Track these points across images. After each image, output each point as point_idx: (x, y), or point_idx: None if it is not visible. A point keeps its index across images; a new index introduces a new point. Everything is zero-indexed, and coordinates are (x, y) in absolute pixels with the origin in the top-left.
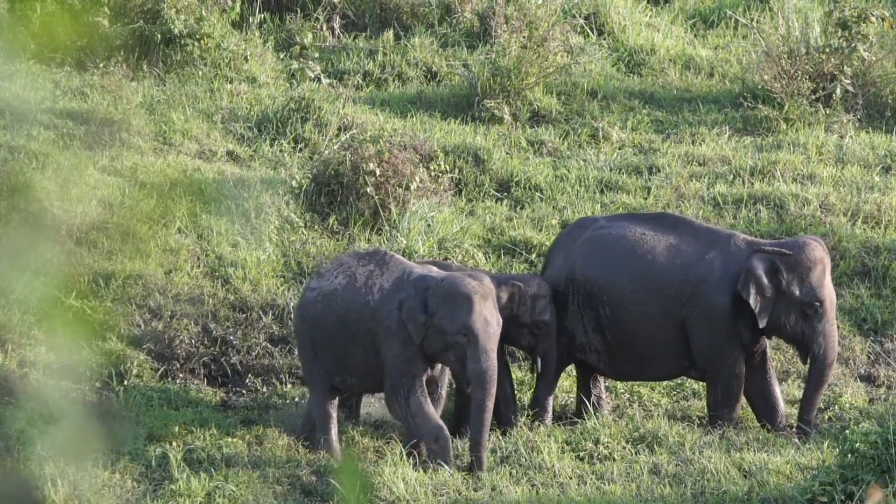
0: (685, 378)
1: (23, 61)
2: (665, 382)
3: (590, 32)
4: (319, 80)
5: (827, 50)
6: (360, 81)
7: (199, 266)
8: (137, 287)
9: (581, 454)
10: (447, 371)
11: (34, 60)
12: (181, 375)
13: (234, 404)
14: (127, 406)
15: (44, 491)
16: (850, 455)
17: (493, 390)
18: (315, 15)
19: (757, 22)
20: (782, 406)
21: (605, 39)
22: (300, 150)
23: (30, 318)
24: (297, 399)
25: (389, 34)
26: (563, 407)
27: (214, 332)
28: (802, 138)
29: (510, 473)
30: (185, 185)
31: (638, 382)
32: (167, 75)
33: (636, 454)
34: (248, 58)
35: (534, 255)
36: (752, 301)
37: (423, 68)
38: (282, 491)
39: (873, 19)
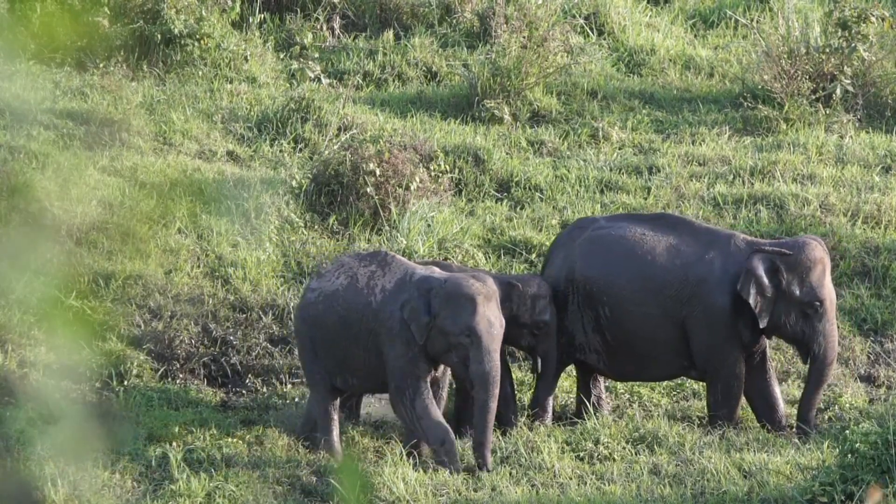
0: (685, 378)
1: (23, 61)
2: (665, 382)
3: (590, 32)
4: (319, 80)
5: (827, 50)
6: (360, 81)
7: (199, 266)
8: (137, 287)
9: (581, 454)
10: (448, 372)
11: (34, 60)
12: (181, 375)
13: (234, 404)
14: (127, 406)
15: (44, 491)
16: (850, 455)
17: (497, 391)
18: (315, 15)
19: (757, 22)
20: (782, 406)
21: (605, 39)
22: (300, 150)
23: (30, 318)
24: (297, 399)
25: (389, 34)
26: (563, 407)
27: (214, 333)
28: (802, 138)
29: (510, 473)
30: (185, 185)
31: (638, 382)
32: (167, 75)
33: (636, 454)
34: (248, 58)
35: (534, 255)
36: (752, 301)
37: (423, 68)
38: (282, 491)
39: (873, 19)
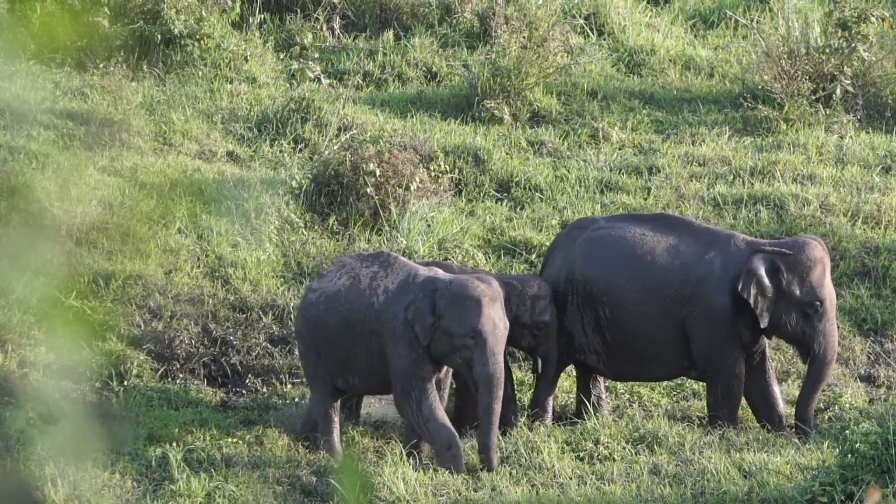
0: (685, 378)
1: (23, 61)
2: (665, 382)
3: (590, 33)
4: (319, 80)
5: (827, 50)
6: (360, 82)
7: (199, 266)
8: (137, 287)
9: (581, 454)
10: (450, 373)
11: (34, 60)
12: (181, 375)
13: (234, 404)
14: (127, 406)
15: (44, 491)
16: (850, 455)
17: (501, 393)
18: (315, 15)
19: (757, 22)
20: (782, 406)
21: (605, 40)
22: (300, 150)
23: (30, 318)
24: (297, 399)
25: (389, 34)
26: (563, 407)
27: (214, 333)
28: (802, 138)
29: (510, 473)
30: (185, 185)
31: (638, 382)
32: (167, 75)
33: (636, 454)
34: (248, 58)
35: (534, 256)
36: (752, 301)
37: (423, 68)
38: (282, 491)
39: (873, 19)
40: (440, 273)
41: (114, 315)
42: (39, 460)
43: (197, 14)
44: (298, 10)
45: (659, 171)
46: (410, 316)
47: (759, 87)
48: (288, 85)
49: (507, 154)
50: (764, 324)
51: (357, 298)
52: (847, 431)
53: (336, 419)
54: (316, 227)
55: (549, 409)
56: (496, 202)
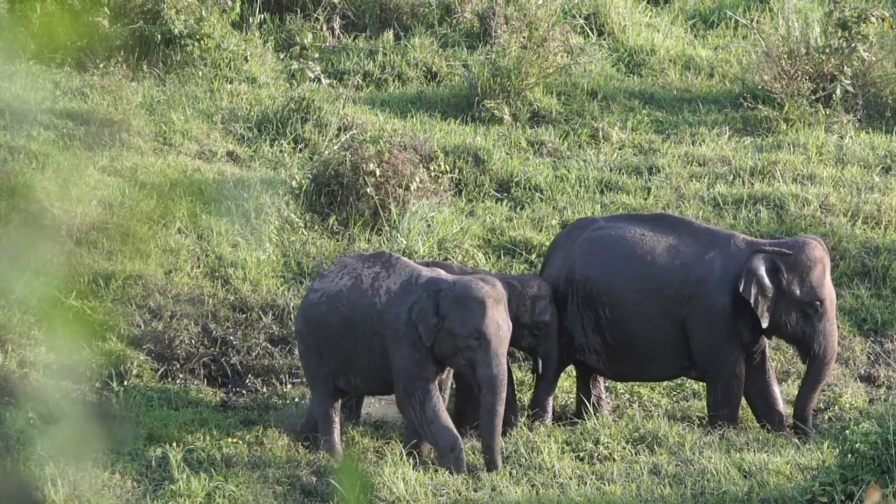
0: (685, 378)
1: (23, 61)
2: (665, 382)
3: (590, 33)
4: (319, 80)
5: (827, 50)
6: (360, 82)
7: (199, 266)
8: (137, 287)
9: (581, 454)
10: (451, 373)
11: (34, 60)
12: (181, 375)
13: (234, 404)
14: (127, 406)
15: (44, 491)
16: (850, 455)
17: (504, 394)
18: (315, 15)
19: (757, 22)
20: (782, 406)
21: (605, 40)
22: (300, 150)
23: (30, 318)
24: (297, 399)
25: (389, 34)
26: (563, 407)
27: (214, 333)
28: (802, 138)
29: (510, 473)
30: (185, 185)
31: (638, 382)
32: (167, 75)
33: (636, 454)
34: (248, 58)
35: (534, 256)
36: (753, 301)
37: (423, 68)
38: (282, 491)
39: (873, 19)
40: (443, 274)
41: (114, 315)
42: (39, 460)
43: (197, 14)
44: (298, 10)
45: (659, 171)
46: (414, 317)
47: (759, 87)
48: (288, 85)
49: (507, 154)
50: (765, 324)
51: (359, 299)
52: (847, 431)
53: (336, 419)
54: (316, 227)
55: (549, 409)
56: (496, 202)
